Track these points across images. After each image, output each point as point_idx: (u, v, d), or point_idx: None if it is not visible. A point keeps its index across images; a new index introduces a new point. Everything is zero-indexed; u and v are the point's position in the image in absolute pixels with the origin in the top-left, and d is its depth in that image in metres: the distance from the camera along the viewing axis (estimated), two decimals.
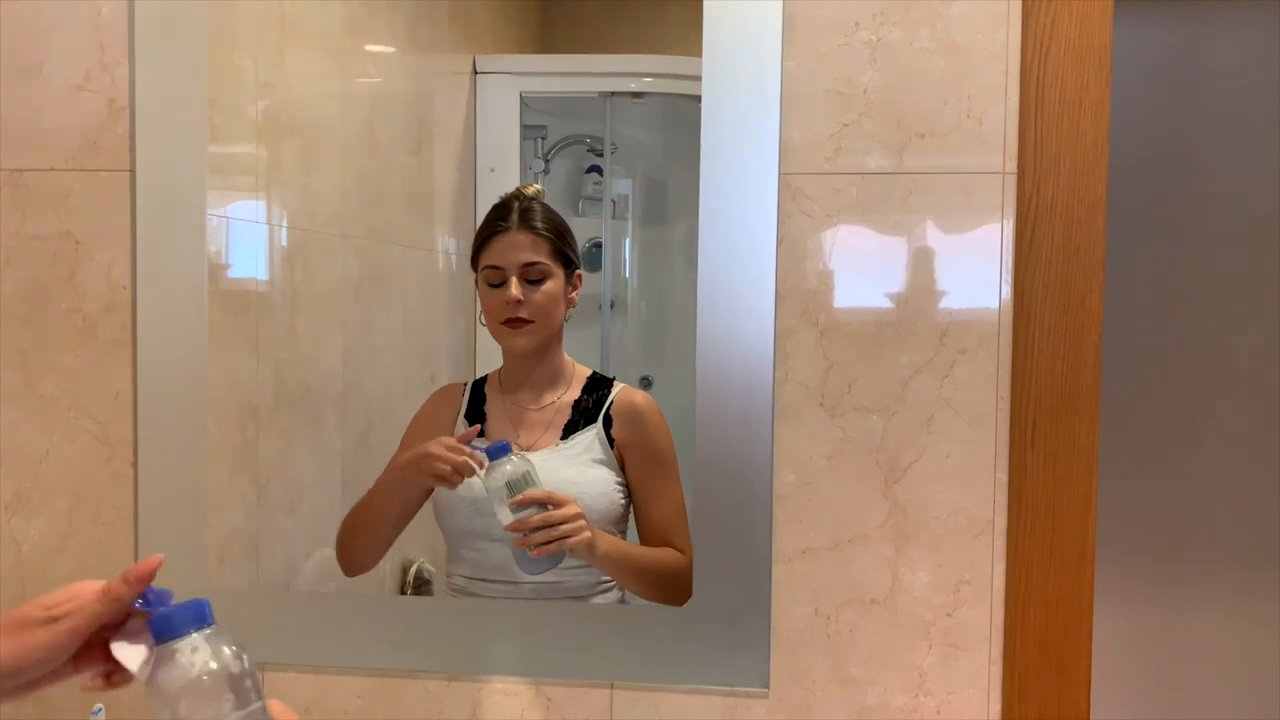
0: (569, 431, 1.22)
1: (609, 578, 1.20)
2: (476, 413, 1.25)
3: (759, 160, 1.03)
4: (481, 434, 1.24)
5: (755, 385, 1.04)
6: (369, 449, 1.38)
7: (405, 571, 1.33)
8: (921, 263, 1.03)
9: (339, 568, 1.24)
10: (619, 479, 1.21)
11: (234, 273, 1.20)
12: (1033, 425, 1.01)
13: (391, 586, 1.29)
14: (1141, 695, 1.70)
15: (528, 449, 1.22)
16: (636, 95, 1.39)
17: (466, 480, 1.17)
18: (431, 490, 1.21)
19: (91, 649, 0.68)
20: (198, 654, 0.64)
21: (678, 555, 1.18)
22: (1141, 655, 1.69)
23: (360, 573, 1.23)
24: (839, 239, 1.04)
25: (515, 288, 1.21)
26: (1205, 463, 1.67)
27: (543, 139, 1.38)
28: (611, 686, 1.08)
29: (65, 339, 1.14)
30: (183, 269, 1.12)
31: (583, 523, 1.12)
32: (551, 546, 1.11)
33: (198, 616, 0.65)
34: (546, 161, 1.38)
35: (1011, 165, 1.01)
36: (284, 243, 1.31)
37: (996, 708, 1.03)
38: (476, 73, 1.36)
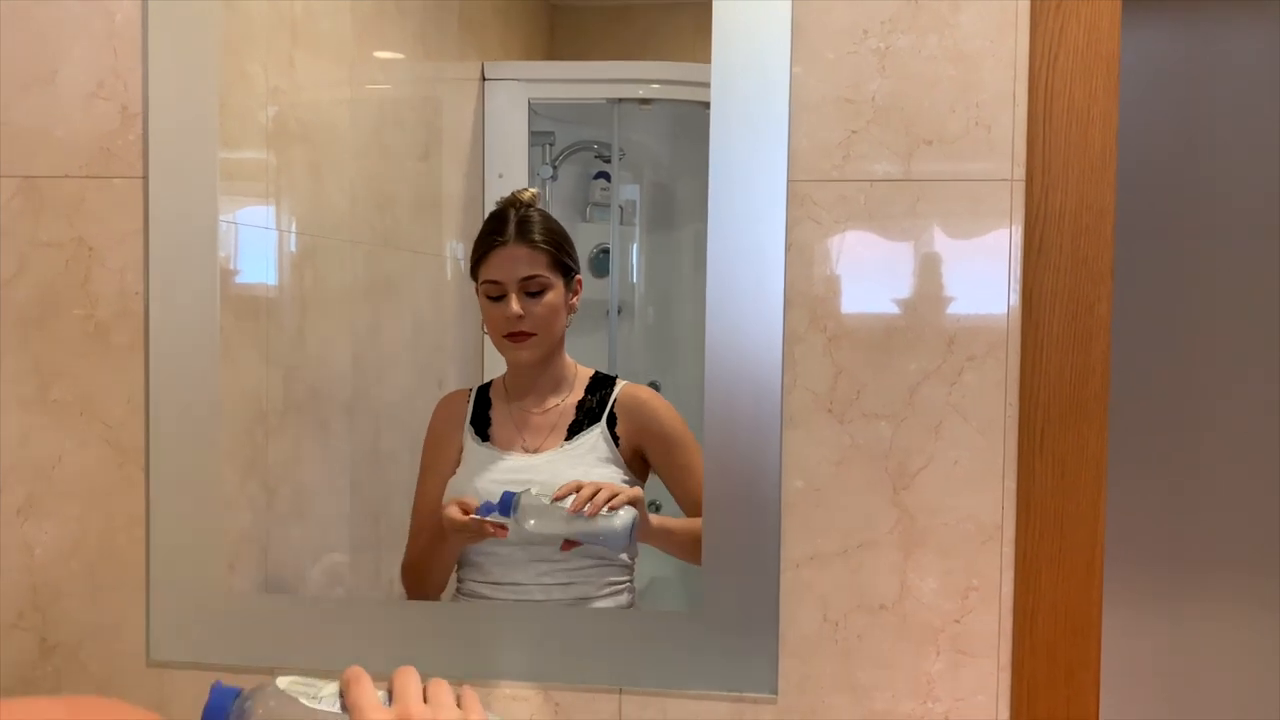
0: (573, 432, 1.23)
1: (618, 579, 1.20)
2: (481, 418, 1.26)
3: (767, 167, 1.03)
4: (487, 439, 1.25)
5: (763, 391, 1.04)
6: (377, 454, 1.39)
7: None
8: (929, 269, 1.03)
9: (404, 590, 1.27)
10: (625, 477, 1.21)
11: (243, 278, 1.21)
12: (1041, 432, 1.01)
13: (400, 591, 1.30)
14: (1150, 702, 1.69)
15: (533, 452, 1.23)
16: (644, 101, 1.40)
17: (478, 486, 1.20)
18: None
19: None
20: None
21: None
22: (1150, 663, 1.68)
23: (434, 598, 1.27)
24: (847, 245, 1.04)
25: (515, 303, 1.21)
26: (1214, 471, 1.66)
27: (551, 145, 1.38)
28: (620, 692, 1.08)
29: (78, 344, 1.15)
30: (194, 275, 1.12)
31: (615, 484, 1.15)
32: (617, 500, 1.12)
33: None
34: (554, 167, 1.38)
35: (1020, 172, 1.01)
36: (293, 248, 1.31)
37: (1005, 714, 1.03)
38: (485, 79, 1.37)
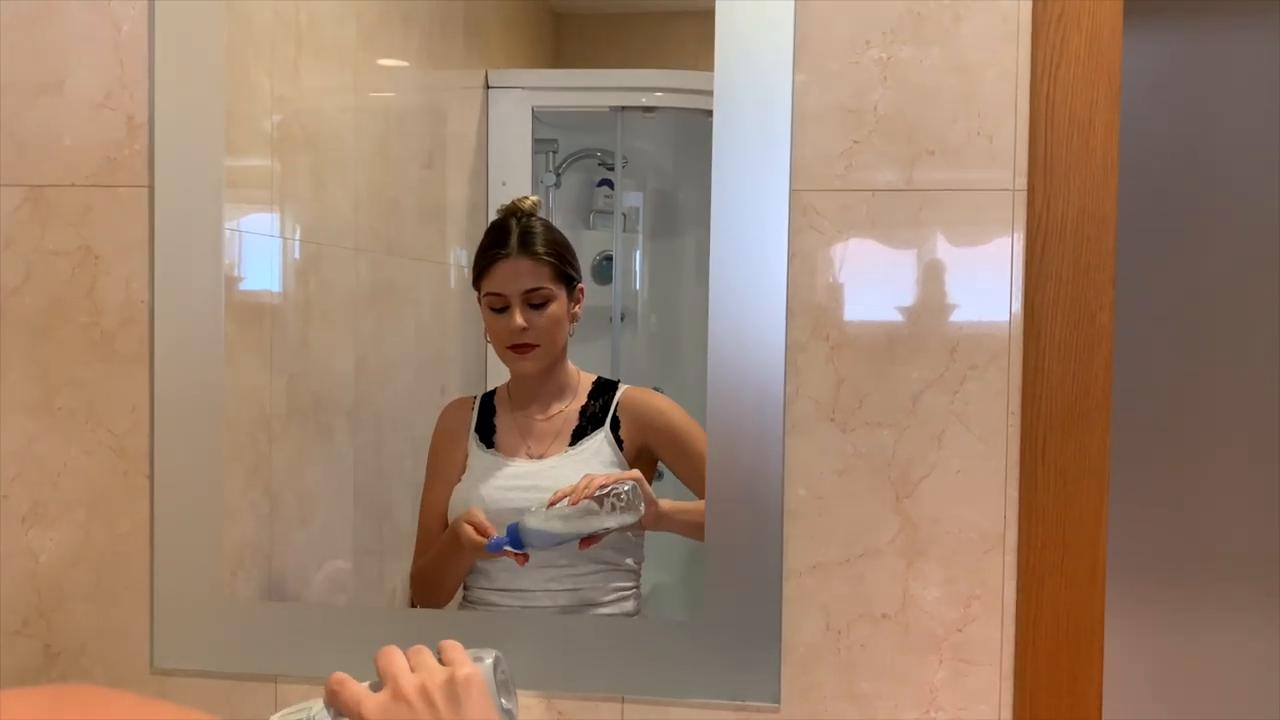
0: (577, 438, 1.23)
1: (624, 585, 1.21)
2: (486, 426, 1.26)
3: (770, 176, 1.04)
4: (492, 446, 1.25)
5: (766, 399, 1.04)
6: (380, 460, 1.39)
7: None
8: (932, 278, 1.03)
9: (411, 597, 1.28)
10: None
11: (247, 285, 1.21)
12: (1043, 441, 1.01)
13: (403, 599, 1.30)
14: (1152, 711, 1.69)
15: (538, 458, 1.23)
16: (647, 110, 1.40)
17: (483, 494, 1.21)
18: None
19: None
20: None
21: None
22: (1152, 671, 1.68)
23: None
24: (849, 254, 1.04)
25: (519, 316, 1.22)
26: (1217, 480, 1.66)
27: (554, 153, 1.39)
28: (622, 700, 1.08)
29: (83, 352, 1.15)
30: (199, 283, 1.13)
31: (608, 473, 1.16)
32: (611, 480, 1.13)
33: None
34: (558, 175, 1.39)
35: (1021, 182, 1.01)
36: (297, 256, 1.32)
37: None
38: (489, 87, 1.37)
